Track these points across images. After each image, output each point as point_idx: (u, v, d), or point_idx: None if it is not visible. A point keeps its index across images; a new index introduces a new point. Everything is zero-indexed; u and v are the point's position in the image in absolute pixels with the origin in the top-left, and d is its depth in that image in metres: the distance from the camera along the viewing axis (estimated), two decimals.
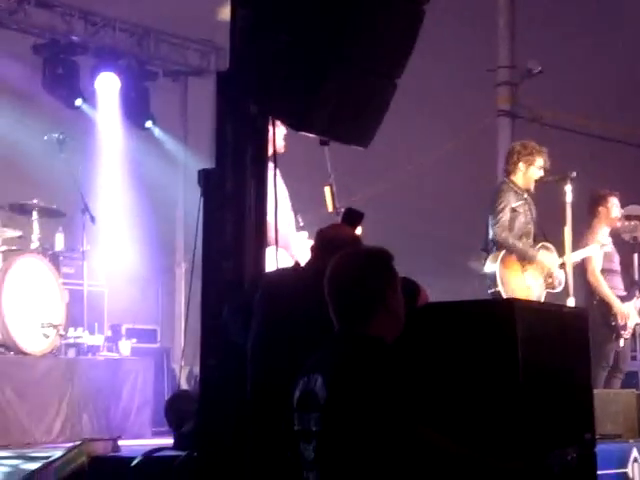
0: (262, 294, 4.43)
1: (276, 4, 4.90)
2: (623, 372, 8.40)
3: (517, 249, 7.64)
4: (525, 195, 7.80)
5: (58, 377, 8.02)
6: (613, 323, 8.20)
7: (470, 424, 3.99)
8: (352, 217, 4.63)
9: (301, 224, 6.90)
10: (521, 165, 7.79)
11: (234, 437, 4.60)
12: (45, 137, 9.30)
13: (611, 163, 12.23)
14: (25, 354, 8.04)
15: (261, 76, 4.87)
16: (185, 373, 9.89)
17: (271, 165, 5.15)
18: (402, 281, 3.70)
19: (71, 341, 8.86)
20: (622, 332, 8.22)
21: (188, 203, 12.55)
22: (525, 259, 7.67)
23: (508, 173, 7.88)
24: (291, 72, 4.80)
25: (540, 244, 7.78)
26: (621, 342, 8.24)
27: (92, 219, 9.12)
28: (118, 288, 10.29)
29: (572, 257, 7.79)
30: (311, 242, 4.63)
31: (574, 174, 7.87)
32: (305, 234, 6.78)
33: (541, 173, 7.83)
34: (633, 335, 8.46)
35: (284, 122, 5.37)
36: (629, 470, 6.22)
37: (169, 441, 5.68)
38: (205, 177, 5.04)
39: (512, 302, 4.58)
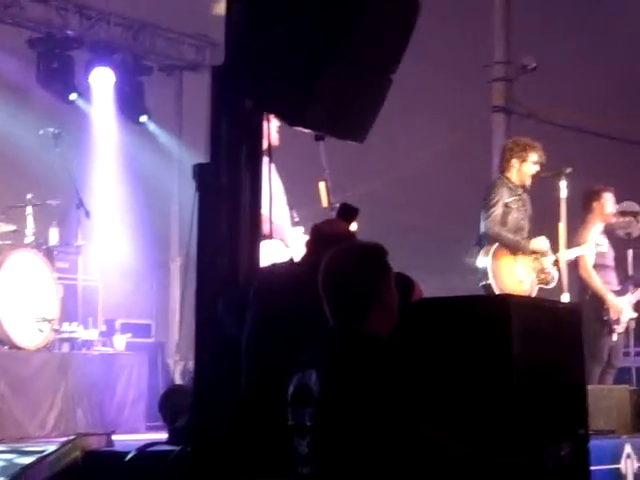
0: (257, 289, 4.43)
1: None
2: (615, 368, 8.37)
3: (509, 240, 7.61)
4: (520, 191, 7.79)
5: (52, 372, 8.01)
6: (605, 318, 8.18)
7: (463, 420, 4.00)
8: (347, 212, 4.63)
9: (296, 219, 6.90)
10: (514, 162, 7.79)
11: (228, 432, 4.60)
12: (40, 132, 9.29)
13: (606, 159, 12.21)
14: (19, 348, 8.03)
15: (256, 71, 4.87)
16: (179, 368, 9.88)
17: (266, 159, 5.15)
18: (396, 276, 3.70)
19: (65, 336, 8.85)
20: (615, 326, 8.20)
21: (183, 198, 12.55)
22: (518, 250, 7.65)
23: (502, 170, 7.88)
24: (286, 67, 4.79)
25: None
26: (614, 336, 8.23)
27: (87, 214, 9.10)
28: (112, 283, 10.30)
29: (566, 255, 7.79)
30: (306, 237, 4.63)
31: (569, 170, 7.86)
32: (300, 229, 6.78)
33: (537, 168, 7.82)
34: (626, 331, 8.44)
35: (279, 117, 5.37)
36: (622, 466, 6.23)
37: (163, 436, 5.66)
38: (200, 172, 5.03)
39: (507, 298, 4.59)
